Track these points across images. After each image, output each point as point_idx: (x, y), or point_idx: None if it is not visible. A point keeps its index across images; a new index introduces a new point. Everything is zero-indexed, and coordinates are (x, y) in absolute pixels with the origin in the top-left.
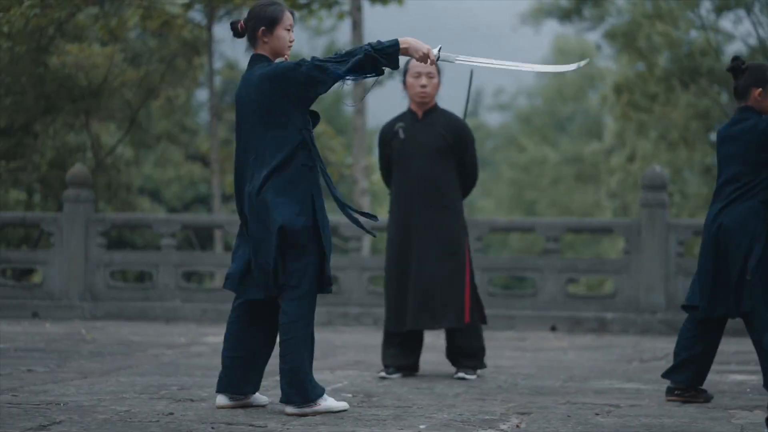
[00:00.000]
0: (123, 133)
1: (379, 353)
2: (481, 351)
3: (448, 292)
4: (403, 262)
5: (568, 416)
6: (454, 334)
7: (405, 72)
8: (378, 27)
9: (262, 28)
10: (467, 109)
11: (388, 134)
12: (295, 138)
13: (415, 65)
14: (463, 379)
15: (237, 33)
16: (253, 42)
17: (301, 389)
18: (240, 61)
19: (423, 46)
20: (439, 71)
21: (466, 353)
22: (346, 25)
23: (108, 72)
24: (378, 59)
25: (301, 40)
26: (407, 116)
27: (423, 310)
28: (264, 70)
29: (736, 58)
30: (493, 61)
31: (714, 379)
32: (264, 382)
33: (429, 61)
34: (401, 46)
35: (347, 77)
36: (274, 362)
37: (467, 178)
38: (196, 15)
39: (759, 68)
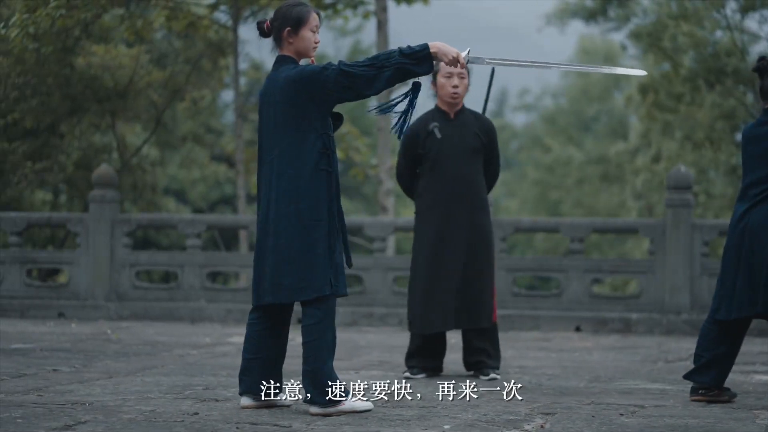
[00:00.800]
0: (148, 134)
1: (404, 353)
2: (499, 351)
3: (481, 291)
4: (438, 263)
5: (593, 416)
6: (478, 334)
7: (435, 72)
8: (403, 27)
9: (288, 28)
10: (486, 107)
11: (421, 133)
12: (316, 142)
13: (446, 65)
14: (495, 379)
15: (263, 33)
16: (278, 42)
17: (324, 390)
18: (265, 62)
19: (452, 49)
20: (468, 72)
21: (490, 354)
22: (371, 25)
23: (134, 73)
24: (409, 68)
25: (327, 40)
26: (438, 116)
27: (461, 310)
28: (289, 72)
29: (762, 58)
30: (524, 61)
31: (738, 380)
32: (288, 383)
33: (459, 64)
34: (431, 50)
35: (377, 93)
36: (297, 362)
37: (492, 176)
38: (222, 16)
39: None
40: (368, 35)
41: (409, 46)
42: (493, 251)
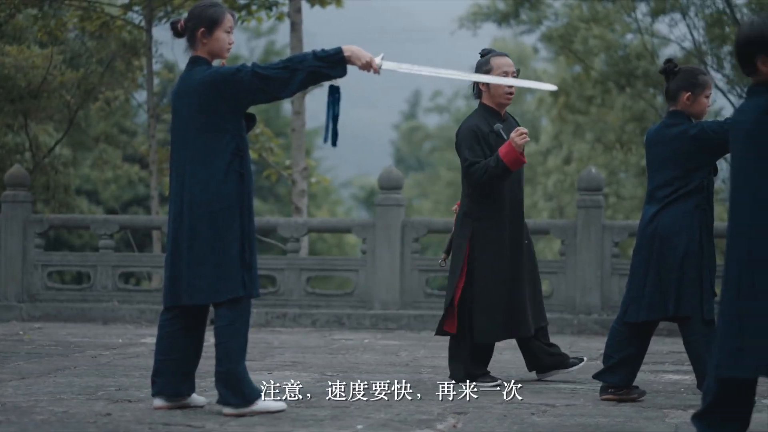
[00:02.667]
0: (61, 135)
1: (317, 354)
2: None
3: (540, 299)
4: (514, 268)
5: (505, 416)
6: (539, 337)
7: (488, 71)
8: (317, 29)
9: (202, 29)
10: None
11: (485, 135)
12: (229, 143)
13: (501, 65)
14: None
15: (177, 33)
16: (192, 43)
17: (237, 391)
18: (179, 63)
19: (365, 54)
20: (517, 72)
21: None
22: (285, 27)
23: (47, 73)
24: (323, 71)
25: (240, 41)
26: (493, 116)
27: (535, 316)
28: (203, 74)
29: (668, 61)
30: (440, 71)
31: (648, 379)
32: (201, 383)
33: (372, 69)
34: (344, 54)
35: (290, 96)
36: (210, 363)
37: None
38: (135, 16)
39: (690, 72)
40: (282, 36)
41: (323, 50)
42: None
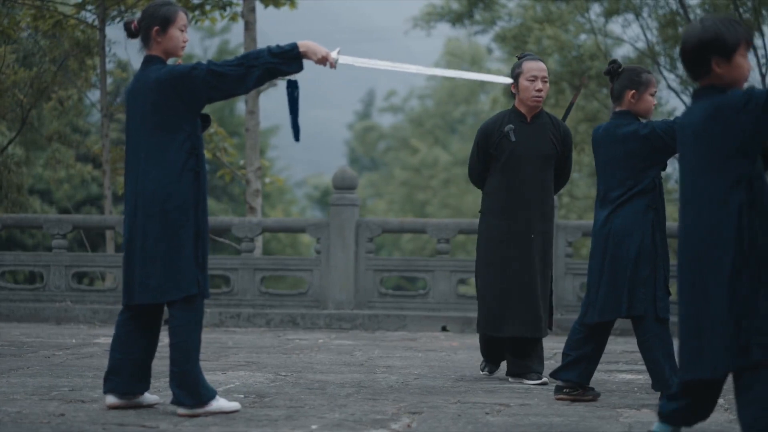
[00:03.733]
0: (14, 134)
1: (271, 354)
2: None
3: (542, 301)
4: (506, 267)
5: (459, 415)
6: (530, 342)
7: (519, 74)
8: (271, 28)
9: (156, 27)
10: (567, 114)
11: (494, 134)
12: (184, 143)
13: (531, 68)
14: (546, 384)
15: (131, 33)
16: (146, 42)
17: (192, 391)
18: (132, 62)
19: (321, 49)
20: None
21: (539, 358)
22: (239, 26)
23: (0, 72)
24: (278, 67)
25: (194, 40)
26: (514, 118)
27: (526, 320)
28: (158, 73)
29: (613, 62)
30: (396, 65)
31: (602, 378)
32: (156, 383)
33: (328, 64)
34: (300, 49)
35: (246, 92)
36: (165, 363)
37: (561, 182)
38: (89, 15)
39: (633, 70)
40: (236, 36)
41: (278, 45)
42: (551, 260)
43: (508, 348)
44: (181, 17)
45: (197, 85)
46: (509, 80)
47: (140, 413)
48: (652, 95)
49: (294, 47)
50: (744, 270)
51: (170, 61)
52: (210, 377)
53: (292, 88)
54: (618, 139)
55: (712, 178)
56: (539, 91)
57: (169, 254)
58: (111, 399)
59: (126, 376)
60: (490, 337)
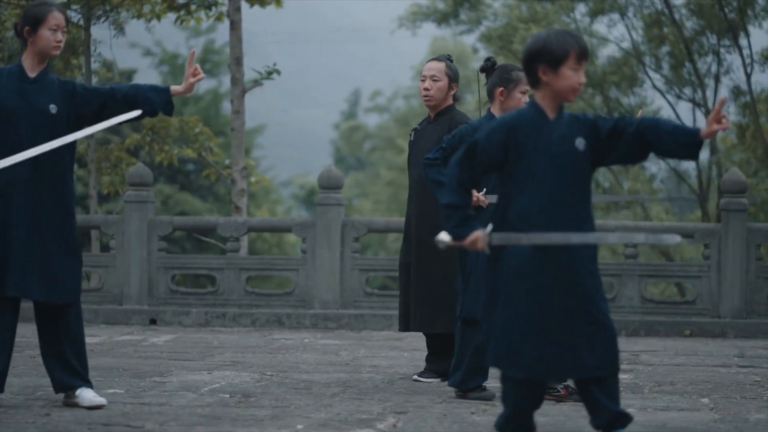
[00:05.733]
0: None
1: (257, 353)
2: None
3: (445, 296)
4: (406, 264)
5: (444, 415)
6: (432, 342)
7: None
8: (258, 27)
9: (27, 27)
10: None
11: (410, 136)
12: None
13: (423, 68)
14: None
15: (17, 32)
16: (24, 42)
17: None
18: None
19: None
20: (450, 74)
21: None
22: (224, 26)
23: None
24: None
25: (180, 40)
26: (425, 119)
27: (417, 314)
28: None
29: (488, 59)
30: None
31: None
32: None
33: None
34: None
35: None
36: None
37: None
38: (74, 15)
39: (504, 68)
40: (222, 35)
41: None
42: (452, 255)
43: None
44: (54, 17)
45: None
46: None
47: (126, 413)
48: (523, 93)
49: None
50: None
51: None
52: (195, 377)
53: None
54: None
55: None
56: (427, 90)
57: None
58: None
59: None
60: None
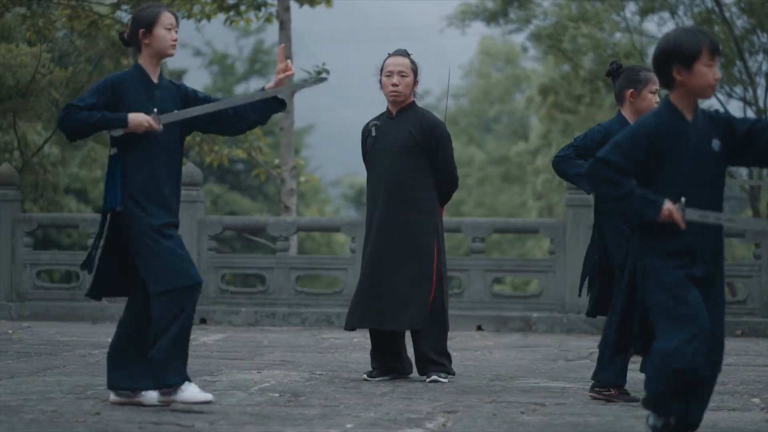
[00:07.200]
0: (50, 133)
1: (307, 353)
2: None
3: (410, 294)
4: (375, 263)
5: (494, 415)
6: (419, 338)
7: (381, 70)
8: (306, 27)
9: (142, 29)
10: (447, 108)
11: (364, 133)
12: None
13: (388, 64)
14: (436, 381)
15: (124, 41)
16: (138, 47)
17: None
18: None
19: (143, 120)
20: (414, 70)
21: (433, 359)
22: (274, 26)
23: (35, 72)
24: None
25: (229, 40)
26: (383, 115)
27: (385, 311)
28: None
29: (613, 62)
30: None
31: (636, 378)
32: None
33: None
34: (129, 123)
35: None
36: (199, 362)
37: (443, 180)
38: (124, 15)
39: (632, 69)
40: (271, 35)
41: (110, 114)
42: (433, 254)
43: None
44: (166, 17)
45: None
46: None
47: (176, 413)
48: (653, 93)
49: (123, 119)
50: None
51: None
52: (245, 376)
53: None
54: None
55: None
56: (395, 85)
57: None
58: (113, 396)
59: (124, 373)
60: (375, 335)
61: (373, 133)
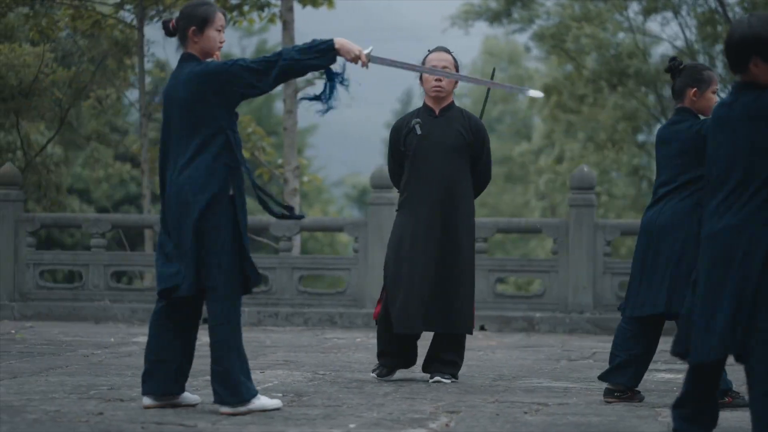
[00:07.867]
0: (53, 133)
1: (309, 353)
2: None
3: (455, 297)
4: (411, 261)
5: (497, 415)
6: (443, 340)
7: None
8: (309, 27)
9: (193, 27)
10: (484, 109)
11: (402, 130)
12: (219, 138)
13: (431, 59)
14: (439, 382)
15: (168, 32)
16: (183, 41)
17: (234, 390)
18: (171, 62)
19: (354, 47)
20: (456, 66)
21: (450, 360)
22: (276, 26)
23: (38, 71)
24: (311, 62)
25: (232, 40)
26: (423, 112)
27: (433, 314)
28: (193, 69)
29: (673, 59)
30: (421, 66)
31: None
32: (194, 382)
33: (361, 63)
34: (335, 45)
35: (277, 85)
36: (204, 361)
37: (481, 178)
38: (127, 15)
39: (695, 68)
40: (274, 35)
41: (313, 40)
42: (471, 255)
43: (434, 343)
44: (219, 18)
45: (232, 80)
46: (539, 93)
47: (178, 412)
48: (714, 93)
49: (329, 42)
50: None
51: (207, 61)
52: None
53: (330, 77)
54: (674, 135)
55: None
56: (438, 81)
57: (219, 252)
58: (147, 400)
59: (160, 378)
60: (396, 335)
61: (418, 131)
